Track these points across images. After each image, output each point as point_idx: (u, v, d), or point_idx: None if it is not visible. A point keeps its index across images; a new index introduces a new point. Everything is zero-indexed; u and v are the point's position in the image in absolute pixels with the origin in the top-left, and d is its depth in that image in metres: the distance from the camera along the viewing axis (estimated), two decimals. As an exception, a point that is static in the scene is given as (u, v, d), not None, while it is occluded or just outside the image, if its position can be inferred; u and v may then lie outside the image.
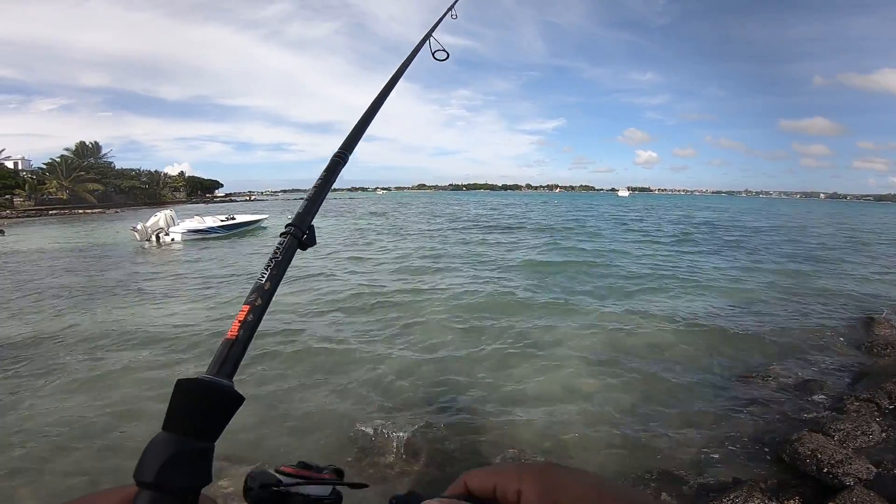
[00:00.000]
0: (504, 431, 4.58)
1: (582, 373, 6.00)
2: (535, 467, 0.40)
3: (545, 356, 6.55)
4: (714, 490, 3.67)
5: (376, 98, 0.94)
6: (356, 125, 0.85)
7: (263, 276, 0.53)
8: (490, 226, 29.42)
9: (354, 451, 4.22)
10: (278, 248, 0.57)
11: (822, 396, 5.35)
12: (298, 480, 0.49)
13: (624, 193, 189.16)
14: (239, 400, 0.44)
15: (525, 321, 8.20)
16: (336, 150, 0.77)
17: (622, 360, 6.43)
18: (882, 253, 18.23)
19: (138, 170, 75.99)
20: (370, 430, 4.52)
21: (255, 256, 16.77)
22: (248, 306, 0.50)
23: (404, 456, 4.15)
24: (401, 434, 4.45)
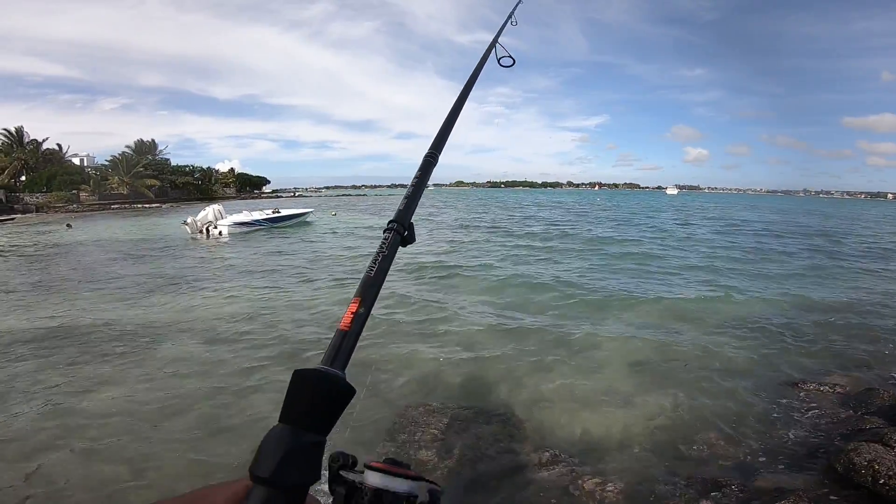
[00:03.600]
0: (541, 432, 4.54)
1: (624, 374, 5.86)
2: None
3: (586, 357, 6.44)
4: (758, 499, 3.51)
5: (453, 107, 0.98)
6: (440, 128, 0.89)
7: (372, 270, 0.54)
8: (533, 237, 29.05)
9: (389, 447, 4.26)
10: (384, 244, 0.58)
11: (884, 406, 4.99)
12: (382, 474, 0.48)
13: (672, 191, 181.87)
14: (351, 392, 0.44)
15: (566, 319, 8.09)
16: (427, 150, 0.81)
17: (665, 361, 6.24)
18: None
19: (192, 166, 79.67)
20: (405, 425, 4.57)
21: (292, 252, 17.31)
22: (359, 298, 0.51)
23: (439, 453, 4.17)
24: (436, 431, 4.49)
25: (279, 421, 0.41)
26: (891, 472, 3.37)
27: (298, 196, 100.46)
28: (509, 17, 1.55)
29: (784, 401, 5.18)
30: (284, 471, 0.37)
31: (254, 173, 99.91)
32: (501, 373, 5.87)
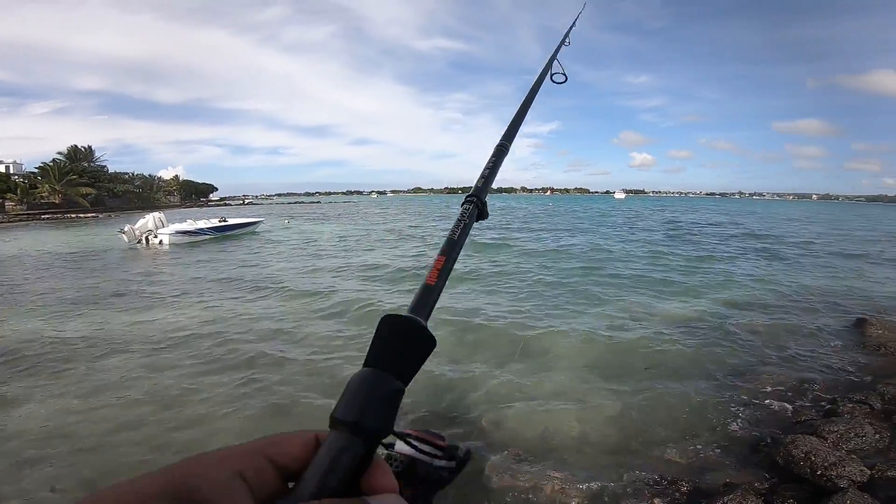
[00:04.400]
0: (500, 436, 4.54)
1: (576, 377, 5.96)
2: None
3: (541, 361, 6.52)
4: (708, 494, 3.62)
5: (520, 107, 1.01)
6: (511, 121, 0.95)
7: (455, 233, 0.59)
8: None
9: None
10: (465, 212, 0.64)
11: (816, 398, 5.34)
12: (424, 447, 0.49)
13: (620, 196, 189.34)
14: (433, 343, 0.44)
15: (521, 326, 8.15)
16: (499, 140, 0.88)
17: (616, 363, 6.40)
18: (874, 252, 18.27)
19: (132, 174, 75.66)
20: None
21: (237, 264, 16.65)
22: (443, 257, 0.54)
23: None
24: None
25: (364, 365, 0.41)
26: (826, 464, 3.55)
27: (248, 204, 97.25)
28: (564, 38, 1.58)
29: (724, 396, 5.42)
30: (367, 414, 0.37)
31: (200, 180, 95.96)
32: (459, 378, 5.85)
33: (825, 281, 12.34)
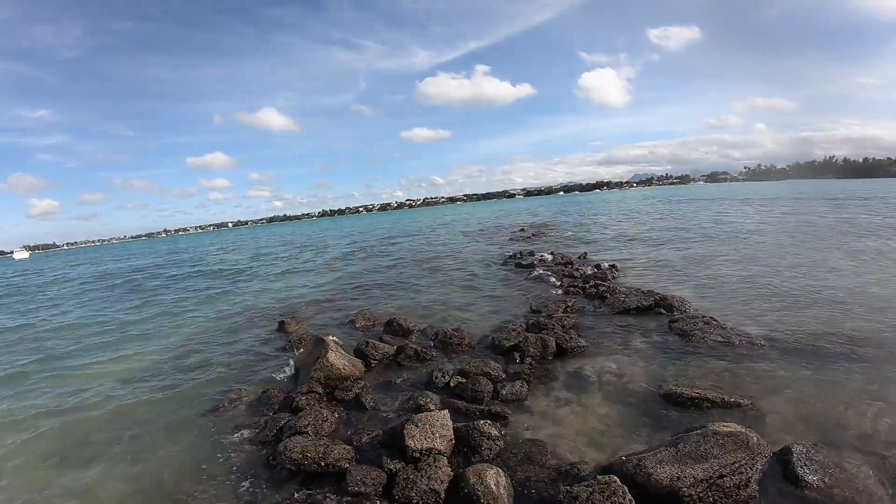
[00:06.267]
0: None
1: (28, 480, 4.73)
2: None
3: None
4: None
5: None
6: None
7: None
8: None
9: None
10: None
11: (279, 401, 5.85)
12: None
13: (23, 255, 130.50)
14: None
15: None
16: None
17: (81, 445, 5.40)
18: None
19: None
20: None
21: None
22: None
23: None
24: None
25: None
26: (319, 454, 4.21)
27: None
28: None
29: (215, 426, 5.51)
30: None
31: None
32: None
33: (260, 298, 14.01)
